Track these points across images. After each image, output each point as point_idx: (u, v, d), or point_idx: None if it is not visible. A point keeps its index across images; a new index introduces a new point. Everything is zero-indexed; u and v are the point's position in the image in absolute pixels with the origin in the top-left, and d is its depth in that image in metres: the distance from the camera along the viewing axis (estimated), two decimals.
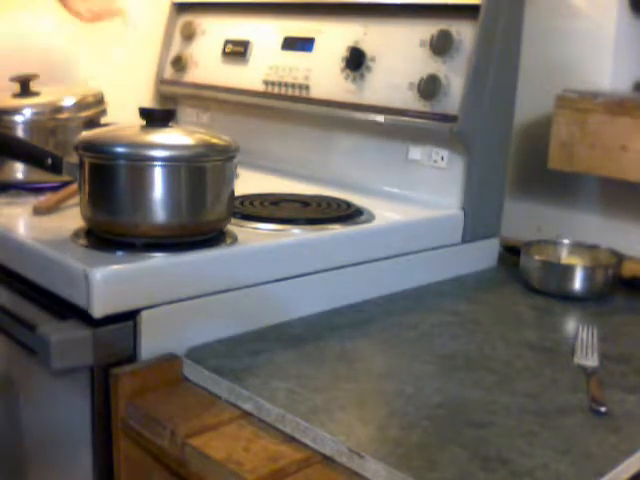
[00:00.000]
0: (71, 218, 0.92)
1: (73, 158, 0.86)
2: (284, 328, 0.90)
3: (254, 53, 1.36)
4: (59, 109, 1.14)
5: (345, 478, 0.64)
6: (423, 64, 1.12)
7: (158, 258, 0.82)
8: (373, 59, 1.18)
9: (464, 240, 1.13)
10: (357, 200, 1.11)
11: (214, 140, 0.87)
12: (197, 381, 0.79)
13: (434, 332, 0.91)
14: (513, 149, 1.21)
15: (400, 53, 1.15)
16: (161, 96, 1.55)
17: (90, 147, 0.84)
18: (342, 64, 1.21)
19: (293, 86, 1.28)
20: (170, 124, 0.88)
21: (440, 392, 0.76)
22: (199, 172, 0.84)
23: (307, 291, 0.94)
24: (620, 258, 1.08)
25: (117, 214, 0.83)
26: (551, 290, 1.06)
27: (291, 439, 0.69)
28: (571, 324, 0.99)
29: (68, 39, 1.37)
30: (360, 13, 1.22)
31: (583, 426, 0.70)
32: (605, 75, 1.18)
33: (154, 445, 0.73)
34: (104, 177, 0.83)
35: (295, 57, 1.29)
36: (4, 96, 1.15)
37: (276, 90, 1.31)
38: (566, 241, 1.16)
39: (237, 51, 1.39)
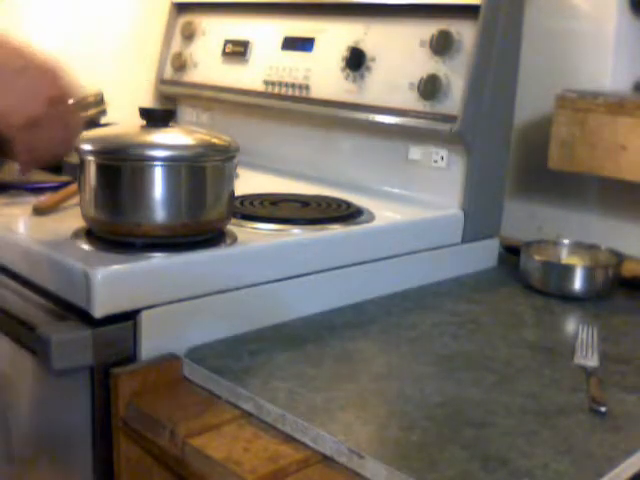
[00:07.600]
0: (71, 218, 0.92)
1: (73, 158, 0.86)
2: (284, 328, 0.90)
3: (254, 53, 1.36)
4: None
5: (345, 478, 0.64)
6: (423, 64, 1.12)
7: (158, 258, 0.82)
8: (373, 59, 1.18)
9: (464, 240, 1.13)
10: (357, 200, 1.11)
11: (214, 140, 0.87)
12: (197, 381, 0.79)
13: (434, 332, 0.91)
14: (513, 149, 1.20)
15: (400, 53, 1.15)
16: (161, 96, 1.55)
17: (90, 147, 0.84)
18: (342, 64, 1.21)
19: (293, 86, 1.28)
20: (170, 124, 0.88)
21: (440, 392, 0.76)
22: (199, 172, 0.84)
23: (307, 291, 0.94)
24: (620, 258, 1.08)
25: (117, 214, 0.83)
26: (551, 290, 1.06)
27: (291, 439, 0.69)
28: (571, 324, 0.99)
29: None
30: (360, 13, 1.22)
31: (583, 426, 0.70)
32: (605, 75, 1.18)
33: (154, 445, 0.73)
34: (104, 177, 0.83)
35: (295, 57, 1.29)
36: None
37: (276, 90, 1.31)
38: (566, 241, 1.16)
39: (237, 51, 1.39)
